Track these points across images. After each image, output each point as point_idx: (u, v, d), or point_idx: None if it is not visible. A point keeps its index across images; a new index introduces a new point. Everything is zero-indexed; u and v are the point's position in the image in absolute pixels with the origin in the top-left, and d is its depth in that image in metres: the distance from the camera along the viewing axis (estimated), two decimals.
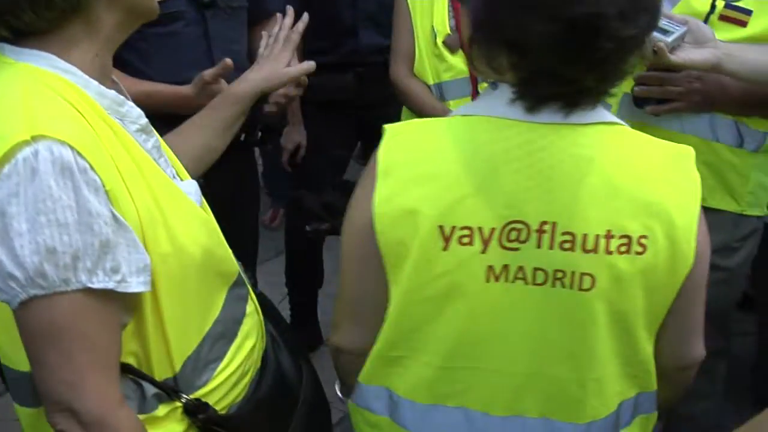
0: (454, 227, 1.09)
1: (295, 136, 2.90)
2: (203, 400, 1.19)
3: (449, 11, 2.36)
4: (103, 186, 0.99)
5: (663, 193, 1.08)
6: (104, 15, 1.08)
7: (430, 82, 2.35)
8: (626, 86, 1.80)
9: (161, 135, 1.33)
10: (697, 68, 1.59)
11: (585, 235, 1.08)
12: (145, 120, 1.15)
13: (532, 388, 1.17)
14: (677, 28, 1.60)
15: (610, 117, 1.12)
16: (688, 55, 1.56)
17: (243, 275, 1.33)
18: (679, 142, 1.74)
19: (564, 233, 1.08)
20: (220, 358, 1.22)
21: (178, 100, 1.91)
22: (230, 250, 1.29)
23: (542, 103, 1.08)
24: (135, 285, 1.03)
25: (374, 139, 1.18)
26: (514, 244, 1.09)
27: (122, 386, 1.10)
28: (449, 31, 2.34)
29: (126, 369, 1.11)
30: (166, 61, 1.99)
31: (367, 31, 2.72)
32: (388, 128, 1.15)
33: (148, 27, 1.86)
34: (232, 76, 1.97)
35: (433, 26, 2.34)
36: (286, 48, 1.65)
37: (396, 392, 1.23)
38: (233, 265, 1.27)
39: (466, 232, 1.09)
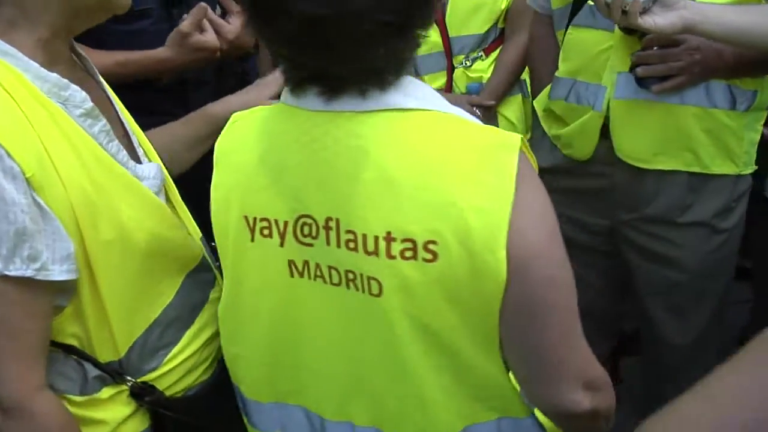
0: (255, 218, 1.05)
1: None
2: (152, 383, 1.18)
3: None
4: (23, 173, 0.98)
5: (457, 192, 0.92)
6: (35, 2, 1.06)
7: None
8: (621, 65, 1.76)
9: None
10: (664, 33, 1.56)
11: (365, 236, 0.96)
12: (90, 104, 1.12)
13: (357, 394, 1.08)
14: None
15: (408, 101, 0.97)
16: (654, 19, 1.53)
17: (210, 260, 1.30)
18: (680, 114, 1.74)
19: (347, 231, 0.98)
20: (172, 343, 1.21)
21: (156, 64, 1.84)
22: (196, 234, 1.27)
23: (299, 87, 0.98)
24: (57, 273, 1.02)
25: None
26: (308, 239, 1.01)
27: (64, 366, 1.12)
28: None
29: (68, 349, 1.11)
30: None
31: None
32: (233, 116, 1.13)
33: (114, 23, 1.77)
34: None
35: None
36: (277, 81, 1.62)
37: (241, 389, 1.21)
38: (195, 250, 1.26)
39: (265, 224, 1.04)
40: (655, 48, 1.69)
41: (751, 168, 1.86)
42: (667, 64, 1.69)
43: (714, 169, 1.79)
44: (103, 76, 1.27)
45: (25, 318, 1.03)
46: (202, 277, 1.27)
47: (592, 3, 1.65)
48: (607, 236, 1.94)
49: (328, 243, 0.99)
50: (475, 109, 2.34)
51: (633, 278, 1.96)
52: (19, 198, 0.97)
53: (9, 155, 0.97)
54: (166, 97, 1.96)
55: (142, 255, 1.12)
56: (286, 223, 1.02)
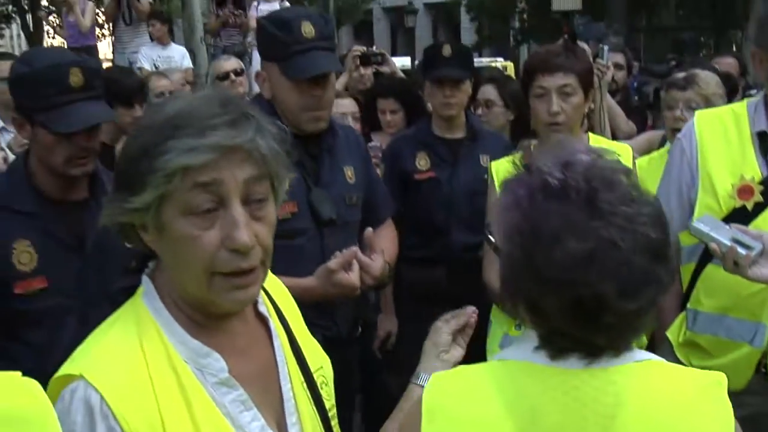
0: None
1: (387, 324, 3.04)
2: None
3: None
4: None
5: (697, 425, 1.11)
6: (169, 271, 1.16)
7: None
8: None
9: None
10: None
11: None
12: (225, 375, 1.16)
13: None
14: (755, 243, 1.75)
15: (639, 354, 1.18)
16: (762, 270, 1.72)
17: None
18: None
19: None
20: None
21: (301, 291, 2.01)
22: None
23: (563, 354, 1.15)
24: None
25: None
26: None
27: None
28: None
29: None
30: (283, 272, 2.14)
31: (460, 230, 2.93)
32: (435, 375, 1.23)
33: (277, 239, 2.10)
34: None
35: None
36: None
37: None
38: None
39: None
40: None
41: None
42: None
43: None
44: None
45: None
46: None
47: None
48: None
49: None
50: None
51: None
52: None
53: (115, 417, 1.04)
54: (311, 310, 2.23)
55: None
56: None
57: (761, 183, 1.94)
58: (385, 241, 2.45)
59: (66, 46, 7.42)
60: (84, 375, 1.07)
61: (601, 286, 1.06)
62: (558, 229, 1.08)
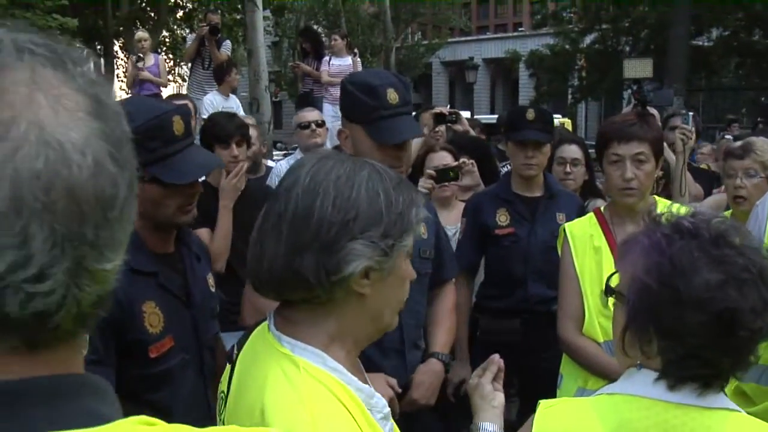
0: None
1: (460, 371, 3.15)
2: None
3: None
4: None
5: None
6: (352, 317, 1.25)
7: (600, 340, 2.46)
8: None
9: None
10: None
11: None
12: (387, 409, 1.31)
13: None
14: None
15: (731, 404, 1.32)
16: None
17: None
18: None
19: None
20: None
21: None
22: None
23: (682, 383, 1.28)
24: None
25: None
26: None
27: None
28: None
29: None
30: None
31: (536, 283, 3.07)
32: (543, 402, 1.39)
33: None
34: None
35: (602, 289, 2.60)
36: None
37: None
38: None
39: None
40: None
41: None
42: None
43: None
44: None
45: None
46: None
47: None
48: None
49: None
50: None
51: None
52: None
53: None
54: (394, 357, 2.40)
55: None
56: None
57: None
58: (444, 316, 2.61)
59: (129, 92, 7.70)
60: None
61: (738, 303, 1.23)
62: (696, 260, 1.26)
